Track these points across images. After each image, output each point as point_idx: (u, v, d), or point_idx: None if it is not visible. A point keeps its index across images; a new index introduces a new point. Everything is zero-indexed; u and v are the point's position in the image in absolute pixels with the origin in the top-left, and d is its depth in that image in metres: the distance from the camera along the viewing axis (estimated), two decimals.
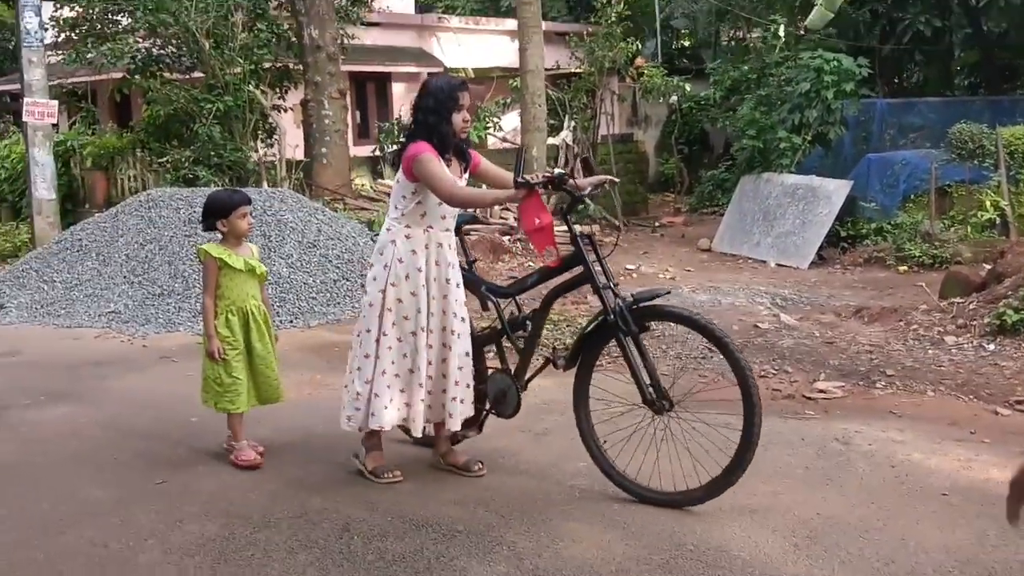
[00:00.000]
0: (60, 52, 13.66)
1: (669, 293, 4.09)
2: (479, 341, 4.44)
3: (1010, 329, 6.56)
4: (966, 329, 6.86)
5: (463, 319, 4.20)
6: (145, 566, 3.48)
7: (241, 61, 12.75)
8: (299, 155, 13.87)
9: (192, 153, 12.60)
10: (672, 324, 6.35)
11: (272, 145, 13.57)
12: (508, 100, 17.17)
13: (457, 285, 4.20)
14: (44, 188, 11.53)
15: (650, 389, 3.89)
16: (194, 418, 5.15)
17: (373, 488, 4.18)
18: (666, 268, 11.50)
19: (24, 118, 11.47)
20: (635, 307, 3.90)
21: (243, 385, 4.54)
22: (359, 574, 3.39)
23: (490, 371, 4.46)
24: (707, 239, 13.61)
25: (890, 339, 6.95)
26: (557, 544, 3.58)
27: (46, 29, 12.05)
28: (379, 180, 15.88)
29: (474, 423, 4.41)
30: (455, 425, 4.21)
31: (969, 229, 11.53)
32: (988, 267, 8.48)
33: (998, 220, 11.53)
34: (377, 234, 10.15)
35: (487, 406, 4.41)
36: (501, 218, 13.42)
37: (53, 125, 12.08)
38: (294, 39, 13.73)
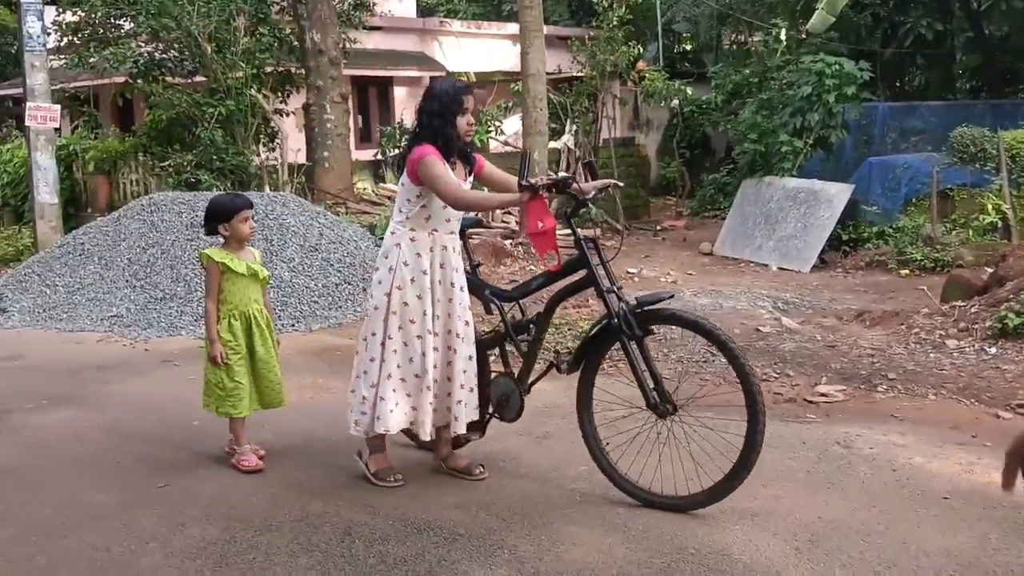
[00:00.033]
0: (63, 56, 13.69)
1: (672, 297, 4.09)
2: (482, 345, 4.44)
3: (1012, 332, 6.56)
4: (968, 333, 6.85)
5: (467, 323, 4.21)
6: (147, 570, 3.49)
7: (243, 65, 12.76)
8: (301, 159, 13.89)
9: (194, 157, 12.61)
10: (673, 328, 6.37)
11: (274, 149, 13.59)
12: (510, 104, 17.20)
13: (461, 289, 4.21)
14: (46, 192, 11.55)
15: (653, 393, 3.89)
16: (196, 422, 5.16)
17: (374, 492, 4.18)
18: (668, 272, 11.50)
19: (27, 122, 11.50)
20: (639, 311, 3.90)
21: (245, 390, 4.55)
22: None
23: (493, 375, 4.47)
24: (709, 243, 13.61)
25: (892, 343, 6.95)
26: (558, 548, 3.58)
27: (48, 33, 12.09)
28: (381, 184, 15.91)
29: (477, 426, 4.41)
30: (460, 428, 4.21)
31: (971, 233, 11.53)
32: (990, 271, 8.48)
33: (1000, 224, 11.53)
34: (379, 238, 10.21)
35: (490, 410, 4.41)
36: (503, 222, 13.44)
37: (56, 129, 12.11)
38: (296, 43, 13.76)
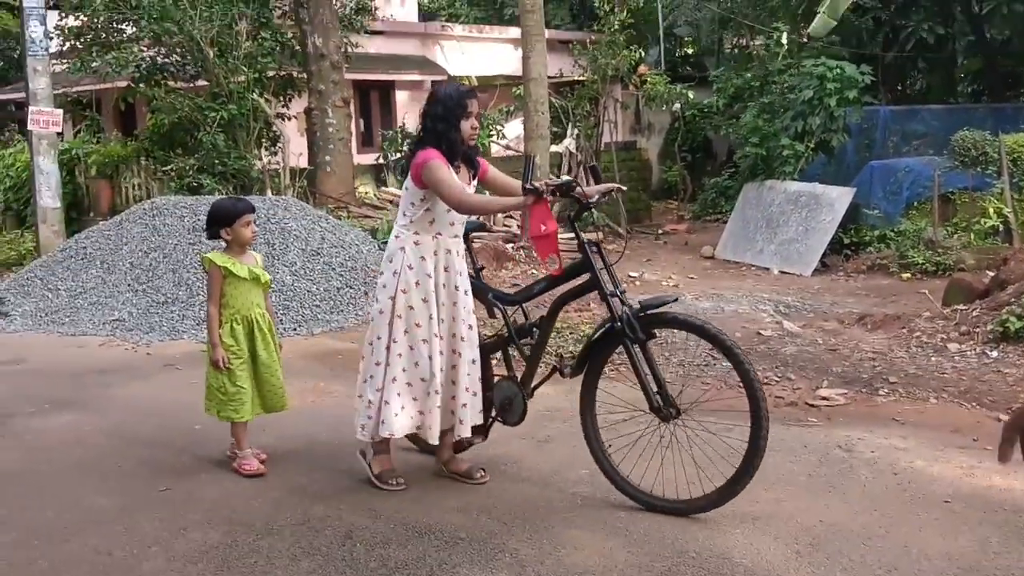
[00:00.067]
0: (65, 61, 13.72)
1: (676, 300, 4.09)
2: (486, 348, 4.44)
3: (1013, 336, 6.56)
4: (969, 336, 6.86)
5: (471, 326, 4.21)
6: (149, 574, 3.49)
7: (245, 70, 12.78)
8: (303, 163, 13.91)
9: (196, 161, 12.63)
10: (674, 331, 6.38)
11: (276, 153, 13.61)
12: (511, 108, 17.22)
13: (465, 292, 4.21)
14: (49, 196, 11.57)
15: (657, 397, 3.90)
16: (198, 426, 5.16)
17: (376, 495, 4.19)
18: (669, 275, 11.51)
19: (29, 127, 11.52)
20: (642, 314, 3.90)
21: (247, 394, 4.55)
22: None
23: (496, 378, 4.47)
24: (710, 246, 13.62)
25: (893, 346, 6.95)
26: (559, 551, 3.59)
27: (51, 38, 12.11)
28: (383, 188, 15.93)
29: (480, 430, 4.41)
30: (465, 432, 4.21)
31: (972, 236, 11.53)
32: (991, 274, 8.48)
33: (1001, 227, 11.53)
34: (381, 242, 10.22)
35: (493, 413, 4.41)
36: (504, 226, 13.45)
37: (58, 134, 12.12)
38: (298, 48, 13.77)
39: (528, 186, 3.83)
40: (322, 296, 8.46)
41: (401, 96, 18.47)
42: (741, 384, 3.72)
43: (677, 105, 18.91)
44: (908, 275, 10.92)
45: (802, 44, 16.52)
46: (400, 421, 4.10)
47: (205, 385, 4.60)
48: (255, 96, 12.96)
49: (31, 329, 8.32)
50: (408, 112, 17.55)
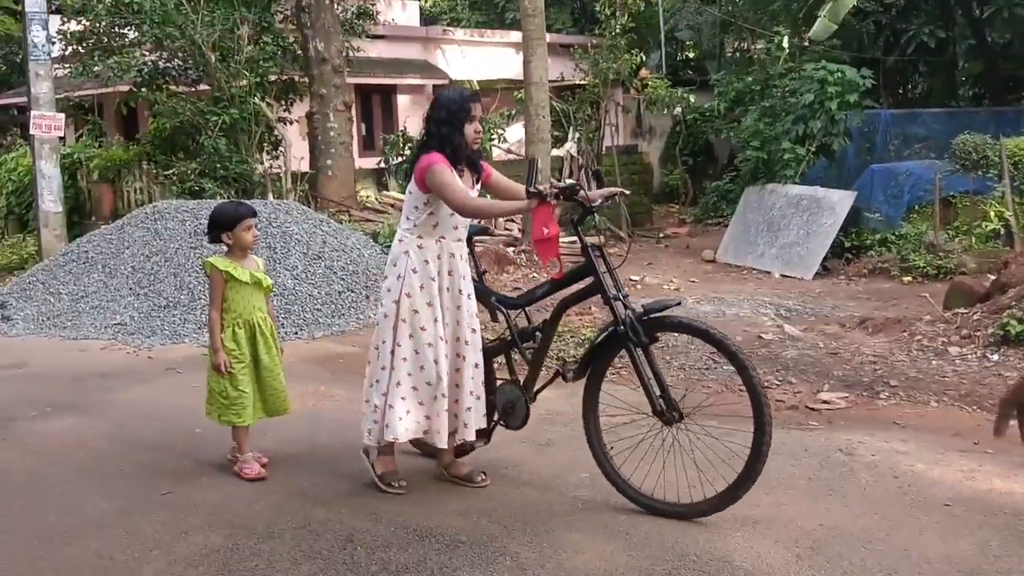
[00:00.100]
0: (67, 65, 13.74)
1: (679, 304, 4.09)
2: (488, 352, 4.45)
3: (1014, 339, 6.56)
4: (970, 340, 6.85)
5: (475, 330, 4.22)
6: None
7: (247, 74, 12.82)
8: (304, 167, 13.93)
9: (198, 165, 12.66)
10: (675, 335, 6.38)
11: (278, 157, 13.64)
12: (512, 112, 17.24)
13: (469, 296, 4.22)
14: (51, 201, 11.60)
15: (660, 400, 3.90)
16: (199, 429, 5.17)
17: (377, 499, 4.19)
18: (670, 279, 11.51)
19: (31, 131, 11.55)
20: (645, 318, 3.91)
21: (249, 398, 4.55)
22: None
23: (499, 382, 4.47)
24: (711, 250, 13.63)
25: (894, 350, 6.95)
26: (560, 555, 3.59)
27: (53, 42, 12.13)
28: (384, 192, 15.95)
29: (483, 434, 4.41)
30: (469, 435, 4.21)
31: (973, 240, 11.54)
32: (992, 278, 8.49)
33: (1002, 230, 11.54)
34: (383, 245, 10.24)
35: (495, 417, 4.42)
36: (506, 229, 13.46)
37: (60, 138, 12.15)
38: (300, 52, 13.81)
39: (532, 189, 3.83)
40: (323, 300, 8.47)
41: (403, 100, 18.50)
42: (745, 389, 3.72)
43: (678, 109, 18.94)
44: (909, 279, 10.92)
45: (803, 48, 16.56)
46: (404, 425, 4.09)
47: (206, 389, 4.61)
48: (257, 100, 13.00)
49: (33, 333, 8.33)
50: (409, 116, 17.58)
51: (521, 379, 4.35)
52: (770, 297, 10.16)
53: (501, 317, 4.43)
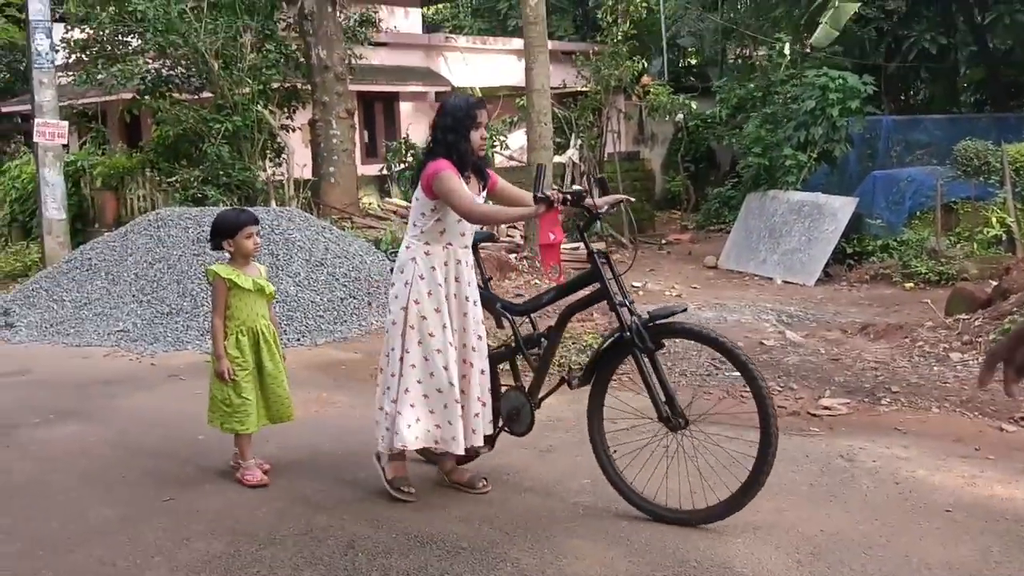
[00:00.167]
0: (70, 73, 13.81)
1: (685, 311, 4.09)
2: (494, 358, 4.45)
3: None
4: (971, 346, 6.86)
5: (481, 336, 4.23)
6: None
7: (250, 81, 12.85)
8: (307, 174, 13.96)
9: (201, 173, 12.68)
10: (677, 341, 6.39)
11: (280, 164, 13.66)
12: (515, 119, 17.27)
13: (475, 303, 4.23)
14: (54, 208, 11.63)
15: (665, 406, 3.91)
16: (201, 436, 5.18)
17: (379, 505, 4.20)
18: (672, 285, 11.52)
19: (35, 139, 11.59)
20: (651, 324, 3.91)
21: (252, 406, 4.56)
22: None
23: (504, 388, 4.48)
24: (713, 256, 13.64)
25: (895, 356, 6.96)
26: (561, 561, 3.60)
27: (57, 51, 12.18)
28: (386, 199, 15.98)
29: (488, 440, 4.41)
30: (478, 441, 4.20)
31: (975, 246, 11.53)
32: (994, 284, 8.48)
33: (1004, 237, 11.53)
34: (384, 252, 10.25)
35: (500, 423, 4.43)
36: (508, 236, 13.47)
37: (63, 145, 12.19)
38: (302, 59, 13.84)
39: (540, 195, 3.84)
40: (326, 307, 8.49)
41: (405, 107, 18.54)
42: (753, 398, 3.71)
43: (680, 115, 18.96)
44: (911, 285, 10.92)
45: (805, 55, 16.58)
46: (414, 433, 4.07)
47: (209, 397, 4.62)
48: (259, 108, 13.03)
49: (36, 340, 8.35)
50: (412, 123, 17.62)
51: (526, 385, 4.36)
52: (772, 303, 10.16)
53: (506, 323, 4.44)
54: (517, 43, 17.25)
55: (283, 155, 13.60)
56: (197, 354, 7.50)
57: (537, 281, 11.09)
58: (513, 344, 4.43)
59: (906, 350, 7.07)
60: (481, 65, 19.52)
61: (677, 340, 5.93)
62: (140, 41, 13.33)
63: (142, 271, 8.95)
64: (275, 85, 13.62)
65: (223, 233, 4.55)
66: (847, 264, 12.22)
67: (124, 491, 4.52)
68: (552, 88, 13.69)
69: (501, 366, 4.59)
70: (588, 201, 4.01)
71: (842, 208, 12.22)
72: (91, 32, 13.42)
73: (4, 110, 19.59)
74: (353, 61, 14.59)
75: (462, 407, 4.14)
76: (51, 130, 11.48)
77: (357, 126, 15.32)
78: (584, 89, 16.87)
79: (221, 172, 12.58)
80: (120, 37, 13.59)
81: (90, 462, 4.97)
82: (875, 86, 13.47)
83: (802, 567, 3.51)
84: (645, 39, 20.38)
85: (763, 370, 6.55)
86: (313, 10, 13.31)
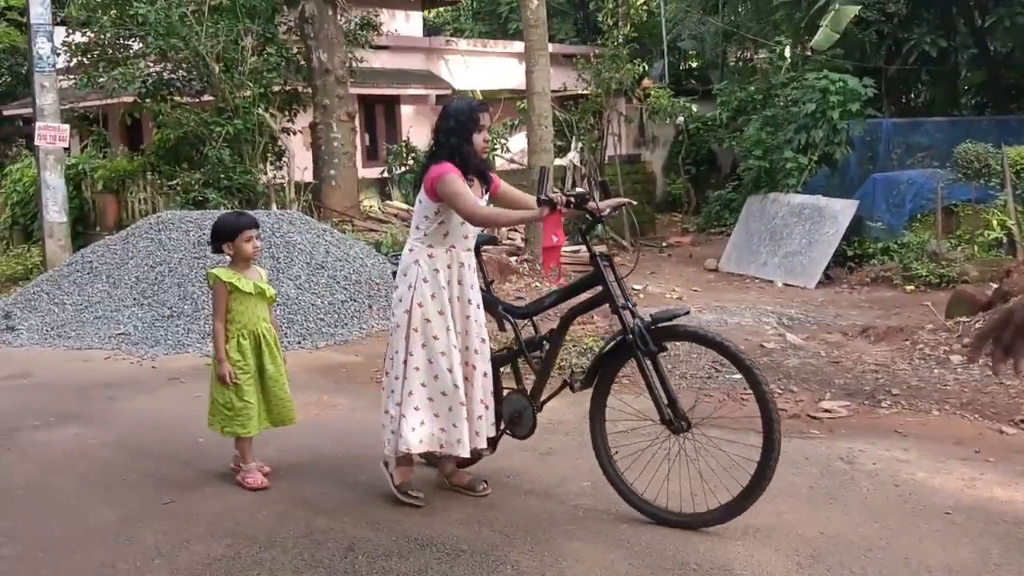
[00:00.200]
0: (72, 77, 13.82)
1: (688, 313, 4.09)
2: (496, 361, 4.45)
3: None
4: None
5: (484, 339, 4.23)
6: None
7: (251, 85, 12.87)
8: (308, 177, 13.98)
9: (202, 176, 12.70)
10: (677, 344, 6.39)
11: (281, 167, 13.68)
12: (515, 121, 17.28)
13: (478, 306, 4.23)
14: (55, 211, 11.64)
15: (668, 409, 3.91)
16: (201, 439, 5.18)
17: (379, 508, 4.21)
18: (673, 288, 11.52)
19: (36, 142, 11.60)
20: (653, 327, 3.92)
21: (254, 409, 4.56)
22: None
23: (506, 391, 4.48)
24: (714, 259, 13.64)
25: (896, 358, 6.95)
26: (560, 563, 3.60)
27: (58, 54, 12.20)
28: (387, 201, 15.98)
29: (489, 443, 4.42)
30: (481, 443, 4.20)
31: (976, 248, 11.53)
32: (994, 286, 8.48)
33: (1005, 239, 11.52)
34: (385, 255, 10.26)
35: (502, 426, 4.43)
36: (509, 239, 13.48)
37: (65, 149, 12.21)
38: (303, 63, 13.87)
39: (543, 197, 3.84)
40: (326, 309, 8.49)
41: (406, 110, 18.56)
42: (756, 403, 3.71)
43: (681, 118, 18.97)
44: (912, 287, 10.92)
45: (805, 57, 16.60)
46: (418, 436, 4.06)
47: (209, 400, 4.62)
48: (260, 111, 13.05)
49: (37, 343, 8.36)
50: (413, 126, 17.64)
51: (528, 388, 4.36)
52: (772, 306, 10.17)
53: (508, 326, 4.44)
54: (518, 46, 17.26)
55: (284, 158, 13.62)
56: (198, 357, 7.50)
57: (538, 284, 11.10)
58: (515, 347, 4.43)
59: (906, 353, 7.07)
60: (482, 68, 19.54)
61: (677, 343, 5.93)
62: (141, 45, 13.36)
63: (143, 274, 8.96)
64: (276, 88, 13.64)
65: (222, 237, 4.56)
66: (848, 267, 12.23)
67: (124, 494, 4.52)
68: (553, 91, 13.71)
69: (503, 369, 4.60)
70: (591, 204, 4.02)
71: (843, 211, 12.22)
72: (92, 36, 13.45)
73: (5, 113, 19.62)
74: (354, 64, 14.61)
75: (467, 410, 4.14)
76: (52, 133, 11.50)
77: (358, 129, 15.34)
78: (585, 92, 16.89)
79: (222, 175, 12.60)
80: (121, 41, 13.61)
81: (90, 465, 4.97)
82: (875, 89, 13.47)
83: (802, 569, 3.51)
84: (646, 42, 20.41)
85: (764, 372, 6.59)
86: (314, 13, 13.34)
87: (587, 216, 4.12)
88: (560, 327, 4.29)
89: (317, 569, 3.60)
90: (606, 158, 16.97)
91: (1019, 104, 18.29)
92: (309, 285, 8.70)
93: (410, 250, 4.20)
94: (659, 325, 3.91)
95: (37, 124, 11.50)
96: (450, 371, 4.06)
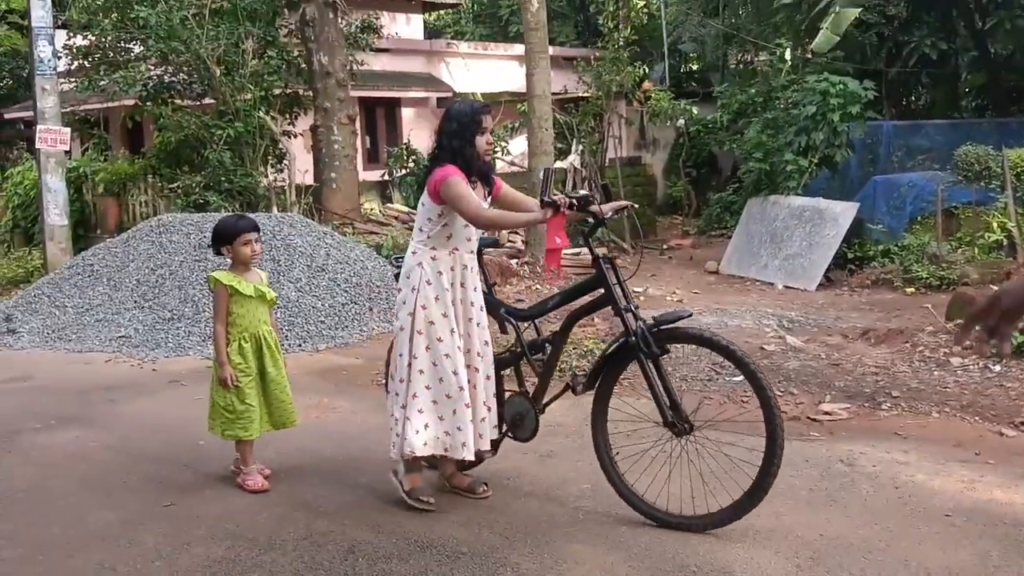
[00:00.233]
0: (73, 80, 13.84)
1: (691, 316, 4.09)
2: (498, 364, 4.44)
3: (1016, 351, 6.56)
4: (972, 351, 6.86)
5: (486, 342, 4.24)
6: None
7: (251, 87, 12.89)
8: (309, 180, 13.99)
9: (203, 179, 12.72)
10: (678, 346, 6.38)
11: (282, 170, 13.69)
12: (516, 124, 17.30)
13: (480, 308, 4.24)
14: (56, 214, 11.66)
15: (670, 411, 3.91)
16: (202, 441, 5.19)
17: (379, 510, 4.21)
18: (673, 290, 11.52)
19: (37, 145, 11.62)
20: (656, 329, 3.92)
21: (255, 412, 4.57)
22: None
23: (508, 394, 4.48)
24: (715, 261, 13.63)
25: (896, 361, 6.96)
26: (560, 566, 3.60)
27: (59, 57, 12.23)
28: (388, 204, 16.00)
29: (492, 444, 4.41)
30: (484, 445, 4.21)
31: (976, 251, 11.52)
32: (995, 288, 8.47)
33: (1005, 241, 11.51)
34: (385, 257, 10.26)
35: (504, 428, 4.43)
36: (510, 242, 13.49)
37: (66, 152, 12.23)
38: (304, 66, 13.89)
39: (547, 199, 3.85)
40: (327, 312, 8.50)
41: (407, 113, 18.57)
42: (760, 407, 3.71)
43: (681, 121, 18.99)
44: (912, 289, 10.91)
45: (806, 60, 16.59)
46: (422, 439, 4.05)
47: (209, 404, 4.63)
48: (261, 114, 13.07)
49: (38, 346, 8.37)
50: (413, 129, 17.66)
51: (530, 391, 4.36)
52: (773, 308, 10.16)
53: (510, 329, 4.44)
54: (518, 49, 17.28)
55: (284, 161, 13.64)
56: (198, 360, 7.51)
57: (539, 287, 11.12)
58: (517, 349, 4.43)
59: (907, 355, 7.08)
60: (482, 71, 19.55)
61: (677, 345, 5.94)
62: (142, 48, 13.37)
63: (144, 277, 8.97)
64: (277, 91, 13.65)
65: (222, 239, 4.57)
66: (848, 269, 12.21)
67: (125, 496, 4.53)
68: (553, 94, 13.73)
69: (504, 371, 4.60)
70: (594, 207, 4.02)
71: (843, 213, 12.22)
72: (93, 39, 13.48)
73: (7, 116, 19.65)
74: (355, 67, 14.63)
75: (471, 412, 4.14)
76: (53, 136, 11.52)
77: (359, 132, 15.35)
78: (585, 95, 16.90)
79: (223, 178, 12.62)
80: (122, 44, 13.63)
81: (91, 467, 4.98)
82: (876, 91, 13.46)
83: (801, 571, 3.51)
84: (646, 45, 20.42)
85: (767, 375, 6.59)
86: (315, 16, 13.35)
87: (589, 219, 4.12)
88: (562, 330, 4.29)
89: (317, 571, 3.60)
90: (607, 161, 16.98)
91: (1020, 107, 18.29)
92: (310, 288, 8.71)
93: (413, 252, 4.20)
94: (662, 327, 3.92)
95: (38, 127, 11.52)
96: (455, 373, 4.05)
